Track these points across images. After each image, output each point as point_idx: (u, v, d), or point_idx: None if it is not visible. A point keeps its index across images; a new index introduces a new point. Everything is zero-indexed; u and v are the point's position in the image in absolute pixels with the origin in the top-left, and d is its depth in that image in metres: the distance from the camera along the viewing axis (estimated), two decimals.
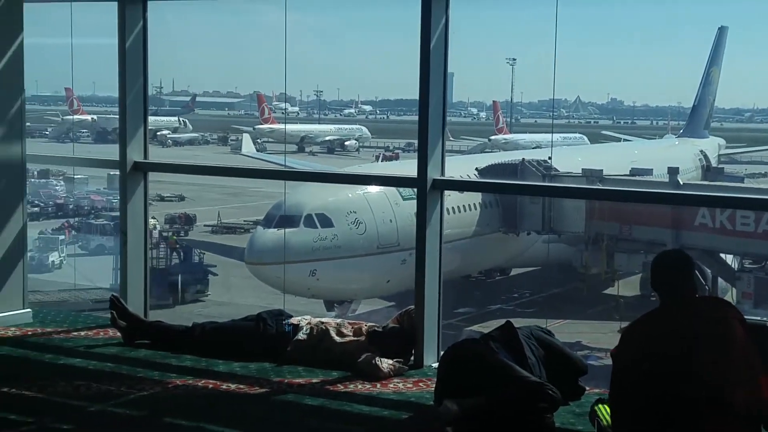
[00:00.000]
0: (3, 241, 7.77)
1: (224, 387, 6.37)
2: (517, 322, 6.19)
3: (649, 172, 28.59)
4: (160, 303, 26.06)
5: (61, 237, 35.21)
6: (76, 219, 39.07)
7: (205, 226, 38.11)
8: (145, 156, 8.11)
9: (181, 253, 30.61)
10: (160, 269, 28.76)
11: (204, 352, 7.04)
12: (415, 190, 6.84)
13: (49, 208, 40.33)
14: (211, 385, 6.40)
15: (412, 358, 6.81)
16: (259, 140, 53.47)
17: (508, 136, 56.61)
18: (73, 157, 12.20)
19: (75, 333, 7.72)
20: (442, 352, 6.48)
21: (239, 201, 43.27)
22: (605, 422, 5.31)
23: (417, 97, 6.66)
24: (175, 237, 32.19)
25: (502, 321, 6.23)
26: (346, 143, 62.95)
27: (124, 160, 7.99)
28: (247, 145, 46.76)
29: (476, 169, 25.01)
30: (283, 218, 22.50)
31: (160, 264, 29.37)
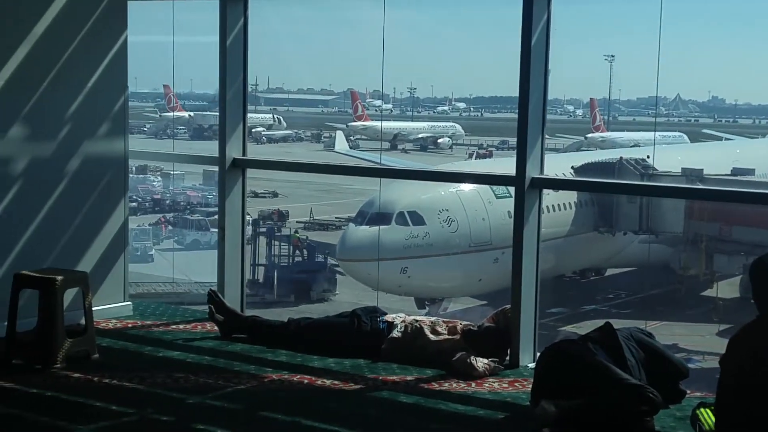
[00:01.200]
0: (105, 235, 7.95)
1: (319, 383, 6.41)
2: (613, 324, 6.08)
3: (751, 172, 27.85)
4: (282, 300, 26.08)
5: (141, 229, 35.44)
6: (173, 214, 39.74)
7: (297, 222, 38.47)
8: (244, 153, 8.21)
9: (305, 252, 30.36)
10: (283, 266, 28.63)
11: (299, 348, 7.10)
12: (510, 188, 6.79)
13: (147, 204, 41.13)
14: (306, 381, 6.45)
15: (508, 357, 6.75)
16: (352, 137, 53.71)
17: (605, 134, 55.71)
18: (173, 154, 12.42)
19: (174, 326, 7.86)
20: (538, 353, 6.42)
21: (331, 198, 43.57)
22: (707, 427, 5.18)
23: (512, 95, 6.61)
24: (299, 235, 31.58)
25: (597, 322, 6.14)
26: (439, 141, 62.79)
27: (223, 156, 8.10)
28: (340, 143, 46.98)
29: (572, 167, 24.68)
30: (375, 215, 22.56)
31: (282, 261, 29.20)
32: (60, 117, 7.64)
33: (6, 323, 6.79)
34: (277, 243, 30.66)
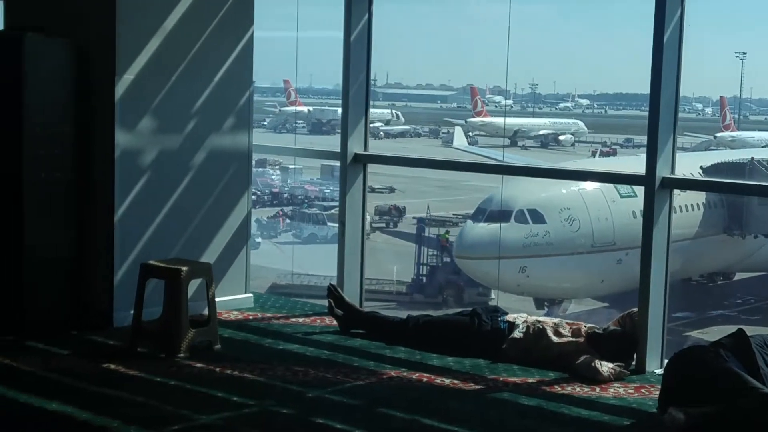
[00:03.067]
0: (229, 228, 8.06)
1: (438, 381, 6.35)
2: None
3: None
4: (428, 301, 25.83)
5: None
6: (291, 208, 40.20)
7: (413, 218, 38.48)
8: (365, 148, 8.21)
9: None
10: (432, 266, 28.22)
11: (417, 345, 7.04)
12: (636, 187, 6.59)
13: (266, 197, 41.70)
14: (425, 379, 6.39)
15: (633, 362, 6.56)
16: (470, 133, 53.38)
17: (736, 134, 53.95)
18: (295, 148, 12.54)
19: (293, 319, 7.91)
20: (665, 359, 6.23)
21: (448, 194, 43.43)
22: None
23: (638, 91, 6.58)
24: (448, 234, 31.09)
25: (724, 328, 5.91)
26: (561, 138, 61.80)
27: (345, 151, 8.12)
28: (459, 138, 46.73)
29: (701, 167, 23.96)
30: (494, 213, 22.34)
31: (431, 261, 28.75)
32: (187, 111, 7.77)
33: (132, 312, 6.94)
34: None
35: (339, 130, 8.58)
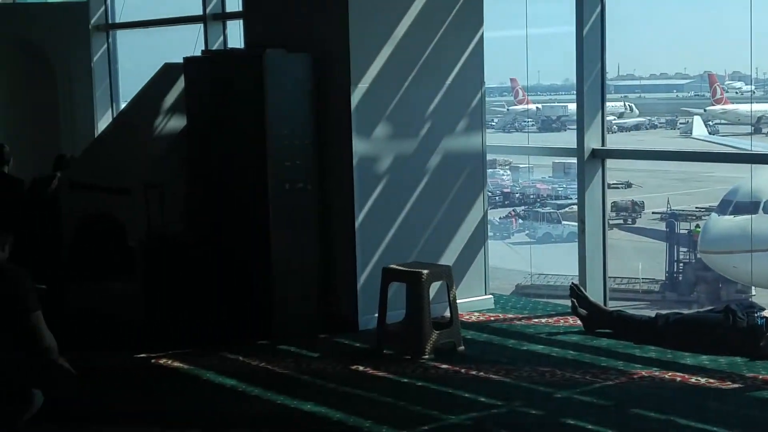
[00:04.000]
0: (466, 230, 8.07)
1: (693, 381, 6.09)
2: None
3: None
4: (681, 299, 25.08)
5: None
6: (523, 207, 39.90)
7: (653, 213, 37.28)
8: (603, 143, 8.02)
9: None
10: (685, 263, 27.36)
11: (669, 344, 6.79)
12: None
13: (497, 197, 41.58)
14: (678, 378, 6.15)
15: None
16: (710, 122, 51.20)
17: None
18: (529, 147, 12.44)
19: (535, 320, 7.82)
20: None
21: (688, 187, 41.82)
22: None
23: None
24: (698, 229, 29.84)
25: None
26: None
27: (581, 147, 7.95)
28: (698, 128, 44.83)
29: None
30: (741, 204, 21.22)
31: (683, 258, 27.84)
32: (420, 115, 7.84)
33: (377, 315, 7.07)
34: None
35: (570, 127, 8.42)
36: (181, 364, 6.80)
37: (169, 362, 6.86)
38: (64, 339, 5.74)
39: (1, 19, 11.53)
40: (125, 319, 7.94)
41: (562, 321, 7.72)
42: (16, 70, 11.85)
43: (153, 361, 6.92)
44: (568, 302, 7.63)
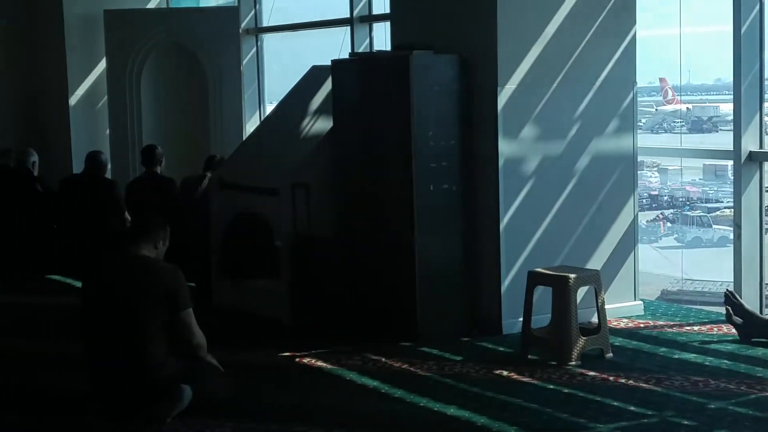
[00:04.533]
0: (615, 233, 7.89)
1: None
2: None
3: None
4: None
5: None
6: (671, 210, 38.82)
7: None
8: (761, 145, 7.70)
9: None
10: None
11: None
12: None
13: (644, 200, 40.52)
14: None
15: None
16: None
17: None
18: (681, 148, 12.09)
19: (687, 327, 7.57)
20: None
21: None
22: None
23: None
24: None
25: None
26: None
27: (738, 149, 7.67)
28: None
29: None
30: None
31: None
32: (569, 116, 7.70)
33: (521, 319, 6.96)
34: None
35: (722, 128, 8.12)
36: (324, 364, 6.84)
37: (313, 361, 6.92)
38: (212, 336, 5.88)
39: (155, 22, 11.88)
40: (270, 318, 8.06)
41: (715, 329, 7.44)
42: (169, 72, 12.24)
43: (297, 360, 6.99)
44: (721, 309, 7.36)
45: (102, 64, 12.13)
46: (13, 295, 9.48)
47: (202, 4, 13.31)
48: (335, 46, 11.47)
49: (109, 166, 11.00)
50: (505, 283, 7.49)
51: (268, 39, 12.20)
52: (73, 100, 12.19)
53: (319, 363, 6.88)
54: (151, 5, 12.52)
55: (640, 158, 8.13)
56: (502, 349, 7.17)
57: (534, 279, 6.94)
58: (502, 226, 7.45)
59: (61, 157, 12.13)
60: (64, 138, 12.22)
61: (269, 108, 11.73)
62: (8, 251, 10.29)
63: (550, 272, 6.93)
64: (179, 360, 5.61)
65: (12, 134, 12.28)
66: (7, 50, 12.61)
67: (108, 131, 12.06)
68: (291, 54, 12.82)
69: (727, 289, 7.37)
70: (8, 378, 6.73)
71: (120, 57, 11.77)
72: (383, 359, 6.91)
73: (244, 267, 8.55)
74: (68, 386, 6.33)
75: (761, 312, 7.53)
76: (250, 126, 11.61)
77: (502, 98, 7.39)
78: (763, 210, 7.79)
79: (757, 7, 7.54)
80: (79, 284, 9.52)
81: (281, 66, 12.61)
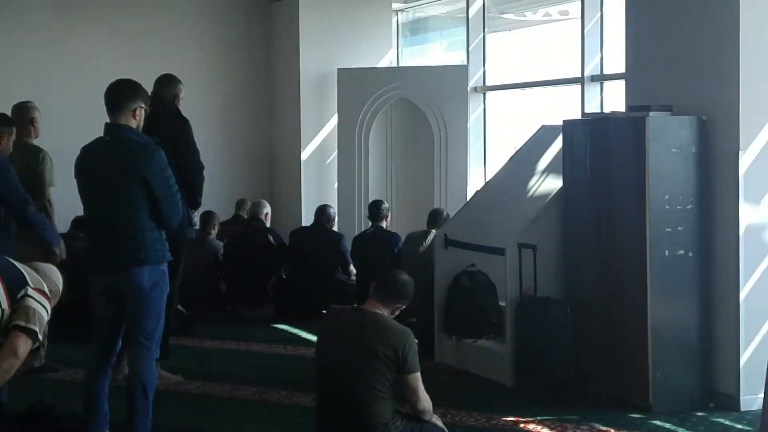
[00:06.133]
0: None
1: None
2: None
3: None
4: None
5: None
6: None
7: None
8: None
9: None
10: None
11: None
12: None
13: None
14: None
15: None
16: None
17: None
18: None
19: None
20: None
21: None
22: None
23: None
24: None
25: None
26: None
27: None
28: None
29: None
30: None
31: None
32: None
33: (762, 396, 6.53)
34: None
35: None
36: (550, 431, 6.66)
37: (538, 429, 6.76)
38: (434, 395, 5.82)
39: (386, 80, 12.16)
40: (493, 379, 7.96)
41: None
42: (396, 128, 12.48)
43: (522, 425, 6.85)
44: None
45: (333, 120, 12.52)
46: (235, 343, 9.75)
47: (429, 64, 13.50)
48: (553, 104, 11.40)
49: (336, 219, 11.27)
50: (745, 356, 7.08)
51: (489, 96, 12.24)
52: (305, 155, 12.62)
53: (545, 431, 6.71)
54: (381, 64, 12.83)
55: None
56: (739, 426, 6.77)
57: None
58: (742, 295, 7.07)
59: (292, 210, 12.56)
60: (295, 191, 12.66)
61: (491, 166, 11.76)
62: (244, 298, 10.74)
63: None
64: (406, 421, 5.58)
65: (247, 186, 12.83)
66: (250, 108, 13.23)
67: (336, 185, 12.40)
68: (514, 111, 12.82)
69: None
70: None
71: (350, 113, 12.11)
72: (612, 431, 6.66)
73: (468, 325, 8.50)
74: None
75: None
76: (474, 184, 11.62)
77: (744, 162, 7.04)
78: None
79: None
80: (300, 334, 9.76)
81: (500, 123, 12.61)
